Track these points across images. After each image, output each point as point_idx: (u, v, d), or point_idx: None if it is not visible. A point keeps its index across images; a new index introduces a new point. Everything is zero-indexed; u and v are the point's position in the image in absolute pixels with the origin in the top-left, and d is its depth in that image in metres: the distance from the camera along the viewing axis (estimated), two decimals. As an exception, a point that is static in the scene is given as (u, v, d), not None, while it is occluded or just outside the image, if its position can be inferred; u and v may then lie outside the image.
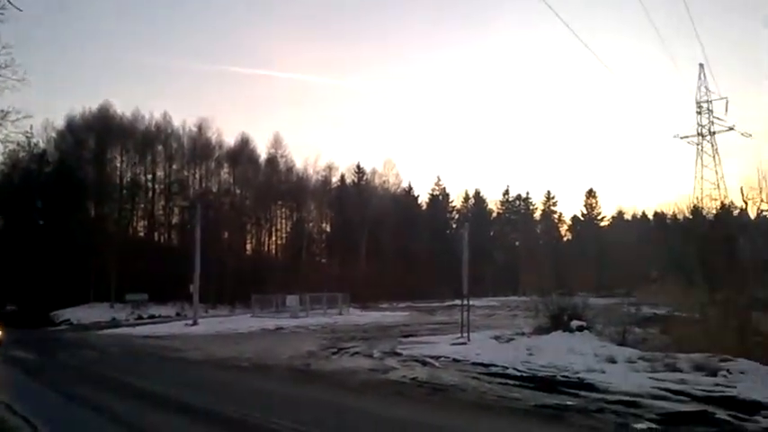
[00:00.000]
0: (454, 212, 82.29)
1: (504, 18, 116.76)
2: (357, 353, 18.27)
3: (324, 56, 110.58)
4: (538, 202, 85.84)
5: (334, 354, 18.28)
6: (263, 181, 61.22)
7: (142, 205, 57.06)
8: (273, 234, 66.04)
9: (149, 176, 56.97)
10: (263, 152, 62.92)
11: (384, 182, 73.23)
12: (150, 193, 57.38)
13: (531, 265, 57.66)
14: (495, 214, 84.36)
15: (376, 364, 15.39)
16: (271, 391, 12.26)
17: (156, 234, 58.48)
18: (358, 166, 72.55)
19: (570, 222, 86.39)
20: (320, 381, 13.45)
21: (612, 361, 12.99)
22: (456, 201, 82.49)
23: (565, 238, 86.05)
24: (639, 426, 8.03)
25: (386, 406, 10.34)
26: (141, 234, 57.11)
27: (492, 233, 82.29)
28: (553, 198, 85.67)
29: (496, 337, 19.39)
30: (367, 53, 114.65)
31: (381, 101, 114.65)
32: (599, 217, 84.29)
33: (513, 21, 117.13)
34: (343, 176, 71.12)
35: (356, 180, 72.62)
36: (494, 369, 13.43)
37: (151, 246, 54.19)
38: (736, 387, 10.02)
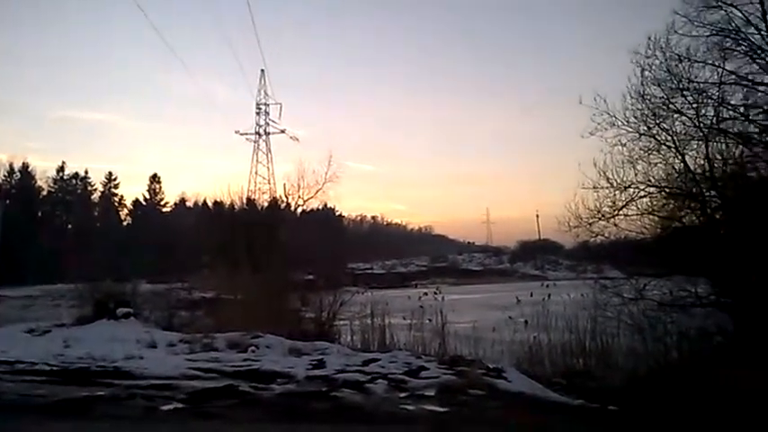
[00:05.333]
0: (-7, 188, 69.66)
1: None
2: None
3: None
4: (98, 183, 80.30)
5: None
6: None
7: None
8: None
9: None
10: None
11: None
12: None
13: (83, 250, 53.28)
14: (45, 193, 75.11)
15: None
16: None
17: None
18: None
19: (132, 206, 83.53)
20: None
21: (154, 346, 13.02)
22: (-4, 174, 70.05)
23: (125, 223, 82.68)
24: (167, 407, 8.20)
25: None
26: None
27: (40, 214, 73.10)
28: (115, 179, 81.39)
29: (30, 331, 17.09)
30: None
31: None
32: (162, 202, 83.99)
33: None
34: None
35: None
36: (20, 366, 11.77)
37: None
38: (260, 360, 11.24)
